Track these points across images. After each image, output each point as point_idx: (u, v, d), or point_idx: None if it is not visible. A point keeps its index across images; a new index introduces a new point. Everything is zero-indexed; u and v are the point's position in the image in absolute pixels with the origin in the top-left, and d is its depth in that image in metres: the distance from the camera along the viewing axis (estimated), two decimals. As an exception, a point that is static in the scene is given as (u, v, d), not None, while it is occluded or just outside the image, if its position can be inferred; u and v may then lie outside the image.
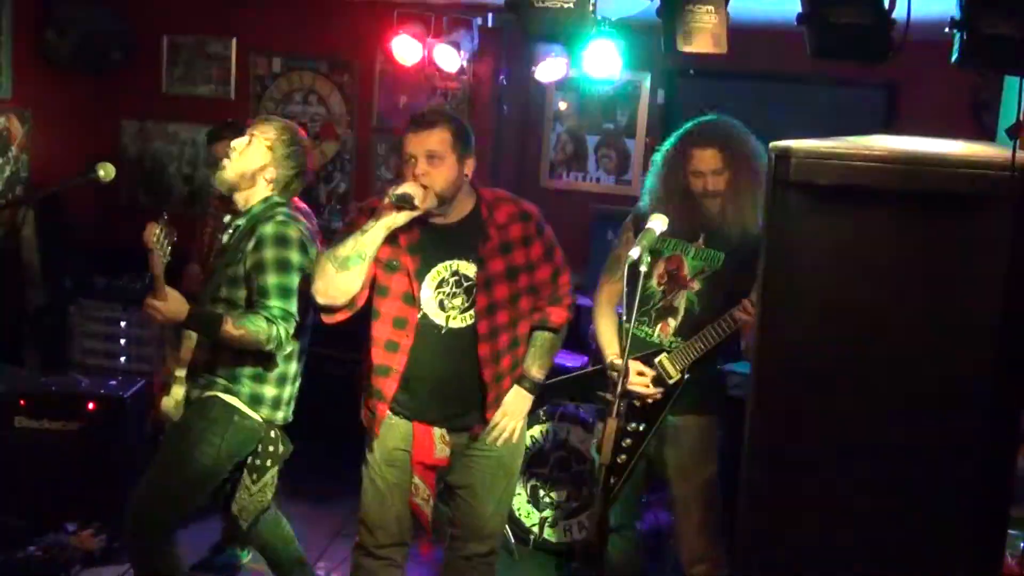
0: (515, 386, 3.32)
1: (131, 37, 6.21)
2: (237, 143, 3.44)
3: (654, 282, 3.47)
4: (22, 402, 4.43)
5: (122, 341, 5.77)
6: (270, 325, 3.23)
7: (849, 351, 2.31)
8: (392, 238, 3.10)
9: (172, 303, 3.18)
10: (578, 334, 5.25)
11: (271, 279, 3.28)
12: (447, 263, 3.17)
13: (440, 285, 3.16)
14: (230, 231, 3.44)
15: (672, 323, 3.47)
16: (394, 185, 3.07)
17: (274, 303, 3.27)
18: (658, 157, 3.52)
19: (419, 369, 3.19)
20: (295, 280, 3.30)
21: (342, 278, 3.04)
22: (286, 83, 6.34)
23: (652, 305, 3.49)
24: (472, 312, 3.17)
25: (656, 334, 3.47)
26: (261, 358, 3.36)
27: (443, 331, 3.17)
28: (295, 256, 3.31)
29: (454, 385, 3.24)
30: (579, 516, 4.61)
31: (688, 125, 3.49)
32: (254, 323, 3.23)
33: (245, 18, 6.29)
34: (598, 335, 3.62)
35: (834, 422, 2.35)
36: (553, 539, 4.66)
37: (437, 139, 3.06)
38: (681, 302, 3.46)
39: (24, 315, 5.77)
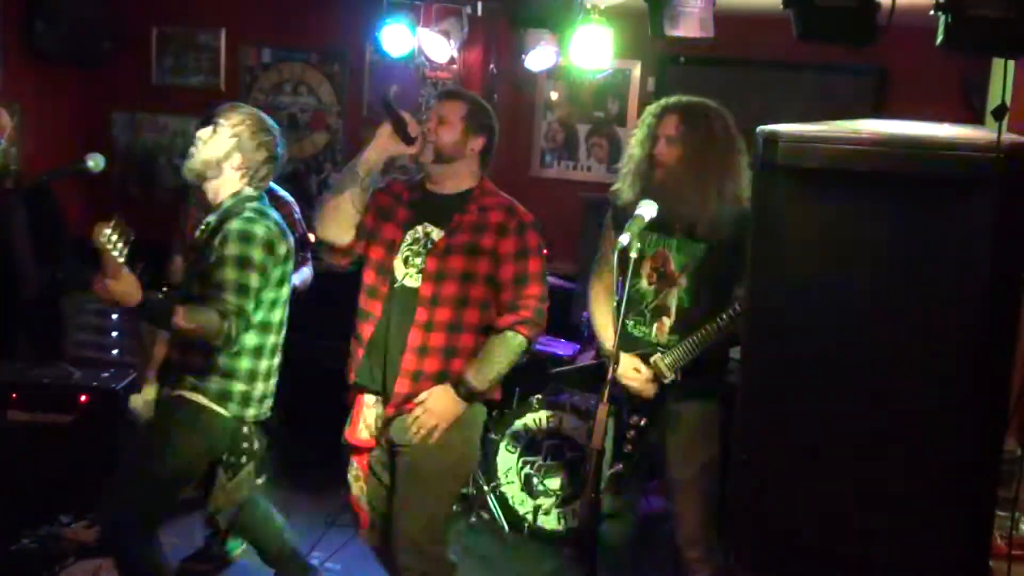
0: (445, 383, 3.26)
1: (120, 28, 6.18)
2: (202, 132, 3.40)
3: (644, 281, 3.46)
4: (14, 395, 4.42)
5: (114, 333, 5.75)
6: (222, 321, 3.16)
7: (837, 334, 2.32)
8: (392, 192, 3.42)
9: (124, 284, 3.01)
10: (569, 322, 5.26)
11: (229, 274, 3.22)
12: (424, 225, 3.34)
13: (413, 243, 3.33)
14: (202, 227, 3.40)
15: (667, 321, 3.46)
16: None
17: (229, 298, 3.20)
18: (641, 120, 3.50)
19: (384, 318, 3.33)
20: (253, 278, 3.25)
21: (336, 205, 3.29)
22: (276, 74, 6.32)
23: (645, 305, 3.47)
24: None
25: (653, 334, 3.47)
26: (231, 354, 3.32)
27: (396, 284, 3.31)
28: (257, 254, 3.26)
29: (390, 346, 3.30)
30: (573, 503, 4.63)
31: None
32: (206, 316, 3.16)
33: (234, 8, 6.27)
34: (595, 326, 3.62)
35: (823, 405, 2.36)
36: (548, 527, 4.67)
37: (451, 107, 3.35)
38: (672, 300, 3.44)
39: (15, 307, 5.75)
